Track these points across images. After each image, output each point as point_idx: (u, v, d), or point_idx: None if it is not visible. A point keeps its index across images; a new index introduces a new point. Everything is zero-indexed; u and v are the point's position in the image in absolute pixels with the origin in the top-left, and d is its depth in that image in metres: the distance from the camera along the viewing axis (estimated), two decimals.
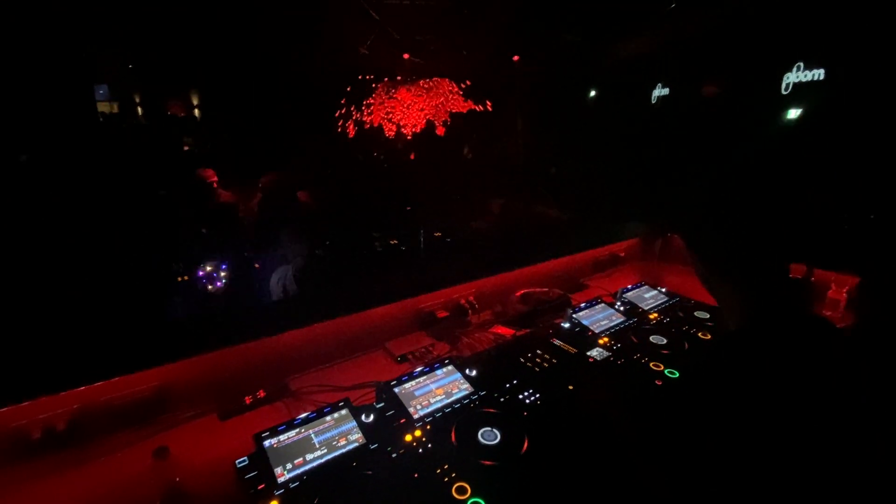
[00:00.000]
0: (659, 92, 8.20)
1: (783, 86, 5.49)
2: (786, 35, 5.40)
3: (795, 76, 5.38)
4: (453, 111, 12.49)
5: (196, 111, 10.05)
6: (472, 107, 12.10)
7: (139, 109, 9.66)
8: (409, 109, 12.68)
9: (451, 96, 12.47)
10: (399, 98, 12.71)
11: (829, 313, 2.12)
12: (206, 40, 7.65)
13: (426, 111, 12.62)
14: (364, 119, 11.98)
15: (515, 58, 10.17)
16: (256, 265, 2.87)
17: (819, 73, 5.13)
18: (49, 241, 2.90)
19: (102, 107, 8.90)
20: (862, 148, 4.52)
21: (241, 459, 1.17)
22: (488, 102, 11.28)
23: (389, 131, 9.24)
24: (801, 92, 5.34)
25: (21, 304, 2.30)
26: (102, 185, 3.61)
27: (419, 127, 11.38)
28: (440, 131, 10.60)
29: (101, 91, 9.35)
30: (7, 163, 3.99)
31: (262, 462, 1.16)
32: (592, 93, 10.01)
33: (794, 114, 5.42)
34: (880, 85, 4.40)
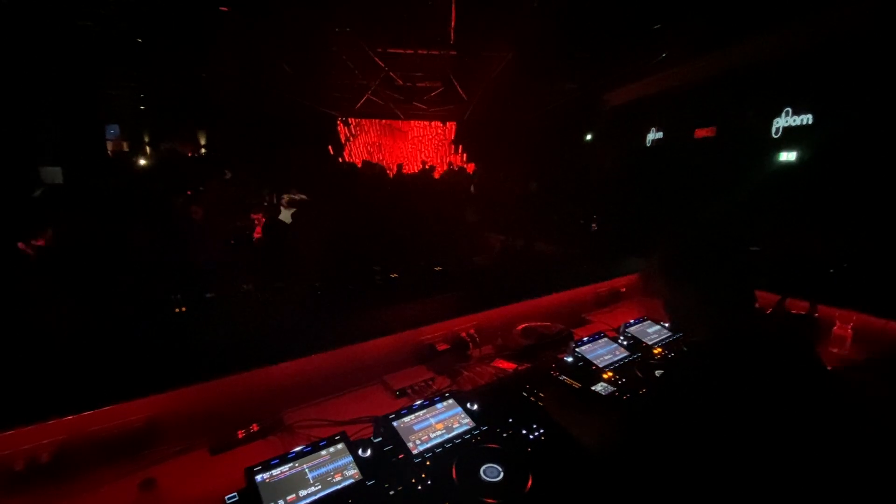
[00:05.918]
0: (653, 136, 8.48)
1: (773, 130, 5.68)
2: (775, 83, 5.65)
3: (785, 121, 5.58)
4: (452, 152, 12.88)
5: (203, 150, 10.37)
6: (470, 148, 12.47)
7: (148, 148, 9.98)
8: (409, 150, 13.06)
9: (450, 138, 12.88)
10: (400, 139, 13.12)
11: (835, 350, 2.09)
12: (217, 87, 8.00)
13: (426, 152, 13.00)
14: (366, 157, 12.29)
15: (513, 105, 10.55)
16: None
17: (807, 118, 5.32)
18: (38, 264, 2.87)
19: (113, 145, 9.19)
20: (852, 186, 4.62)
21: (231, 495, 1.11)
22: (486, 144, 11.63)
23: (390, 170, 9.50)
24: (791, 136, 5.52)
25: (7, 329, 2.24)
26: (101, 210, 3.64)
27: (418, 166, 11.69)
28: (439, 170, 10.88)
29: (112, 130, 9.69)
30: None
31: (254, 498, 1.10)
32: (589, 136, 10.33)
33: (785, 156, 5.58)
34: (867, 128, 4.56)
